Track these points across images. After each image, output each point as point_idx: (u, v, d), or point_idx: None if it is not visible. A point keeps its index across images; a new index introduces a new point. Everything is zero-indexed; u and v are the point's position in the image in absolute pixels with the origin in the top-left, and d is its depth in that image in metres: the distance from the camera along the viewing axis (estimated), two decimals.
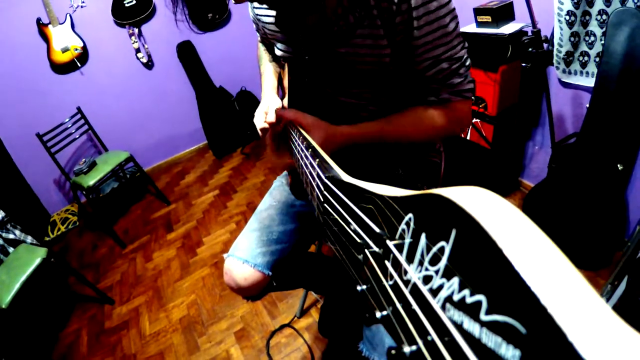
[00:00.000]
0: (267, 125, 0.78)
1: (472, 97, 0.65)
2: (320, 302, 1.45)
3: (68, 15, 2.34)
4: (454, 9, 0.58)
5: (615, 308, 0.98)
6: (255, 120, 0.83)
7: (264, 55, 0.97)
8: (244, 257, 0.80)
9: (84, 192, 2.12)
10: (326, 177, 0.29)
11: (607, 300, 1.01)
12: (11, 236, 1.92)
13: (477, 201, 0.14)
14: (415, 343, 0.15)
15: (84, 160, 2.24)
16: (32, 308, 1.80)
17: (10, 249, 1.84)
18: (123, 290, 1.91)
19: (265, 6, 0.72)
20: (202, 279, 1.80)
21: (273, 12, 0.71)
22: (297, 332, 1.38)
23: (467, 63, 0.62)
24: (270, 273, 0.80)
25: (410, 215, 0.17)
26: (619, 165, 1.14)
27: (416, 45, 0.59)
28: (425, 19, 0.56)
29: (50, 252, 1.59)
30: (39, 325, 1.82)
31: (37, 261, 1.53)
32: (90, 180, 2.07)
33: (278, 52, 0.77)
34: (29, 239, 2.01)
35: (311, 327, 1.39)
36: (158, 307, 1.73)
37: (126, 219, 2.49)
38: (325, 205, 0.29)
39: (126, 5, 2.45)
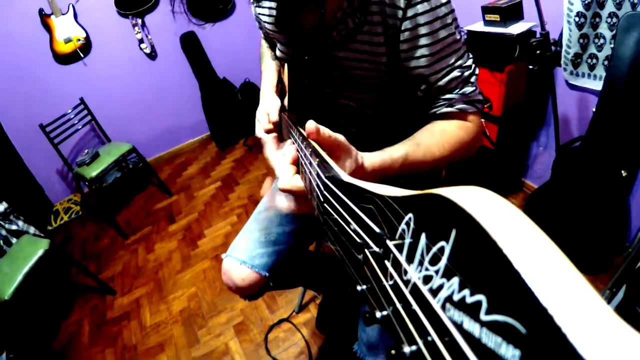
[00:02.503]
0: (271, 127, 0.78)
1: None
2: (318, 298, 1.46)
3: (71, 6, 2.33)
4: (456, 17, 0.58)
5: None
6: (257, 121, 0.83)
7: (266, 52, 0.97)
8: (242, 258, 0.80)
9: (86, 183, 2.13)
10: (326, 177, 0.29)
11: None
12: (14, 227, 1.93)
13: (477, 201, 0.14)
14: (415, 343, 0.15)
15: (86, 151, 2.25)
16: (34, 299, 1.82)
17: (14, 240, 1.86)
18: (124, 281, 1.93)
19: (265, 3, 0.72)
20: (203, 271, 1.82)
21: (273, 12, 0.71)
22: (295, 327, 1.39)
23: (477, 72, 0.61)
24: (268, 274, 0.81)
25: (410, 215, 0.17)
26: (622, 172, 1.14)
27: (428, 54, 0.57)
28: (436, 25, 0.55)
29: (52, 243, 1.60)
30: (41, 315, 1.84)
31: (40, 253, 1.54)
32: (93, 171, 2.08)
33: (278, 53, 0.77)
34: (32, 229, 2.03)
35: (309, 322, 1.40)
36: (159, 299, 1.75)
37: (128, 210, 2.51)
38: (325, 205, 0.29)
39: None
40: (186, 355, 1.45)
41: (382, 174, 0.51)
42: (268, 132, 0.79)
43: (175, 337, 1.54)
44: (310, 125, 0.40)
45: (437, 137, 0.58)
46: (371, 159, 0.50)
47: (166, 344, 1.52)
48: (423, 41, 0.56)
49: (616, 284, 1.02)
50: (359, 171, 0.47)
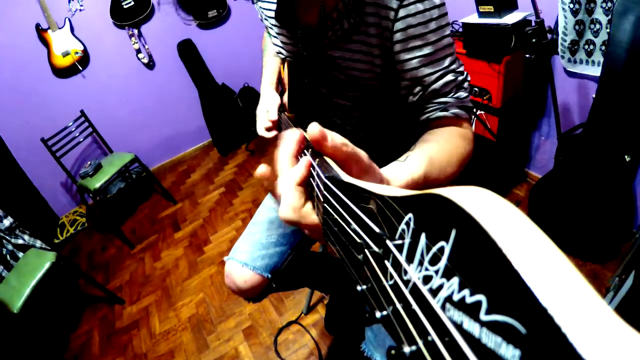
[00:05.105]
0: (270, 125, 0.78)
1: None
2: (326, 299, 1.46)
3: (67, 20, 2.35)
4: (449, 21, 0.57)
5: (623, 302, 0.97)
6: (257, 120, 0.83)
7: (269, 47, 0.96)
8: (244, 260, 0.81)
9: (90, 195, 2.15)
10: (326, 177, 0.29)
11: (615, 294, 1.00)
12: (20, 241, 1.95)
13: (477, 201, 0.14)
14: (415, 343, 0.15)
15: (89, 162, 2.26)
16: (43, 311, 1.83)
17: (20, 254, 1.87)
18: (132, 290, 1.94)
19: None
20: (210, 277, 1.82)
21: (274, 7, 0.71)
22: (304, 329, 1.40)
23: (469, 78, 0.60)
24: (270, 276, 0.81)
25: (410, 215, 0.17)
26: (626, 157, 1.13)
27: (421, 55, 0.56)
28: (430, 26, 0.54)
29: (59, 256, 1.61)
30: (51, 327, 1.85)
31: (47, 266, 1.55)
32: (96, 182, 2.09)
33: (278, 49, 0.77)
34: (38, 243, 2.04)
35: (318, 323, 1.40)
36: (167, 307, 1.75)
37: (133, 219, 2.52)
38: (325, 205, 0.29)
39: (124, 6, 2.45)
40: None
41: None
42: (268, 130, 0.79)
43: (185, 343, 1.55)
44: (314, 129, 0.30)
45: (448, 153, 0.52)
46: (397, 182, 0.41)
47: (176, 350, 1.53)
48: (416, 42, 0.55)
49: (625, 271, 1.01)
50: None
